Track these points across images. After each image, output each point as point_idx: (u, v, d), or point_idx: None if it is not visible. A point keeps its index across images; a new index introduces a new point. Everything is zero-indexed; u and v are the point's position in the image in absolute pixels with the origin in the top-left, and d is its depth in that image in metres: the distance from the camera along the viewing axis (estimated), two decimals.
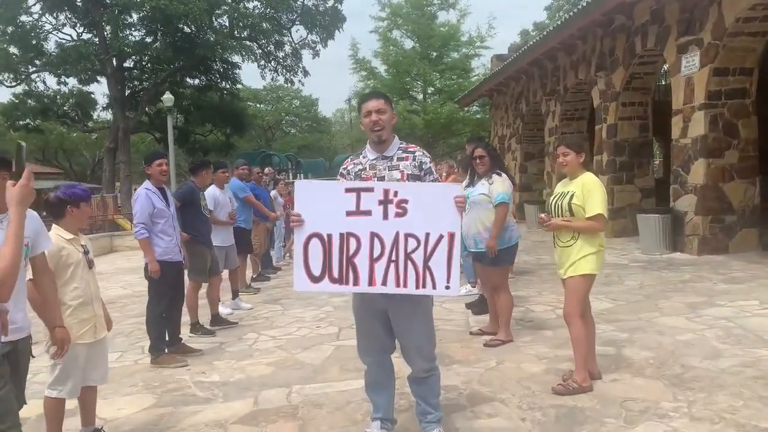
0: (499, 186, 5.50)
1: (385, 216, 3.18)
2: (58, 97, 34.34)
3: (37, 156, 52.31)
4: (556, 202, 4.36)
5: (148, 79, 32.45)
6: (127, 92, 32.58)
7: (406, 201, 3.18)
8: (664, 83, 15.92)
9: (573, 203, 4.20)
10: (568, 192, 4.29)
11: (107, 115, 37.09)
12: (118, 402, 4.75)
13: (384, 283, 3.20)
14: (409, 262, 3.18)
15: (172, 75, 31.89)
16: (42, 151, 52.38)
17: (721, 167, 9.83)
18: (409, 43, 30.36)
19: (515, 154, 19.72)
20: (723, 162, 9.84)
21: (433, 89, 30.27)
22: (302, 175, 28.75)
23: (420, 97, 31.05)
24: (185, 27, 29.44)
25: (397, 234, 3.18)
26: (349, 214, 3.20)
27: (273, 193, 12.05)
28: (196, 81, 34.82)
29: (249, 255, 9.56)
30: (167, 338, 5.78)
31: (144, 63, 32.99)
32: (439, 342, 5.62)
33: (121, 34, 28.46)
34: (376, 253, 3.18)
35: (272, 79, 35.72)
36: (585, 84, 14.94)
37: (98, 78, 32.11)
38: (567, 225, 4.21)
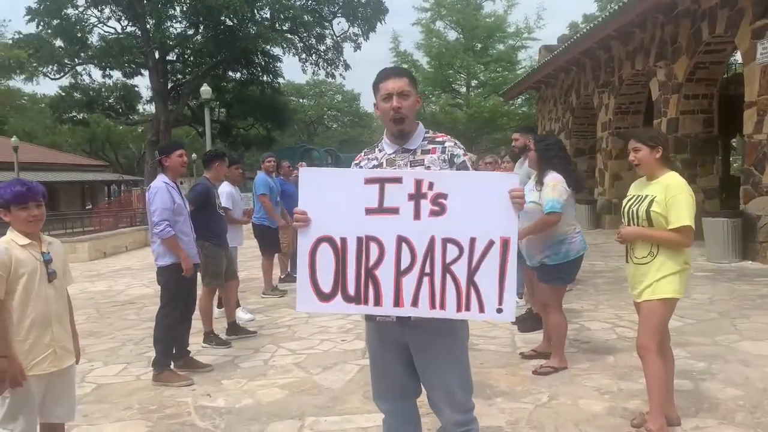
0: (549, 192, 4.57)
1: (417, 215, 2.43)
2: (103, 89, 34.54)
3: (85, 148, 53.30)
4: (630, 207, 3.54)
5: (191, 72, 32.37)
6: (170, 85, 32.58)
7: (444, 195, 2.42)
8: (726, 75, 14.67)
9: (652, 210, 3.37)
10: (645, 196, 3.46)
11: (151, 108, 37.24)
12: (106, 429, 4.12)
13: (414, 303, 2.44)
14: (449, 277, 2.42)
15: (214, 68, 31.72)
16: (89, 144, 53.33)
17: None
18: (452, 35, 29.44)
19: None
20: None
21: (476, 82, 29.22)
22: None
23: (463, 90, 30.05)
24: (227, 19, 29.16)
25: (433, 239, 2.42)
26: (369, 212, 2.45)
27: None
28: (238, 74, 34.63)
29: (277, 254, 8.93)
30: (175, 350, 5.15)
31: (186, 56, 32.99)
32: (480, 366, 4.90)
33: (163, 27, 28.32)
34: (404, 264, 2.44)
35: (313, 73, 35.16)
36: (642, 75, 13.87)
37: (142, 71, 32.17)
38: (645, 234, 3.39)
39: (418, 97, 2.62)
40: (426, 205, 2.42)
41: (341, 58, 32.82)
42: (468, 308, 2.41)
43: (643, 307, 3.42)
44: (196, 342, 5.85)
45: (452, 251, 2.41)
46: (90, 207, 40.22)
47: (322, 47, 32.56)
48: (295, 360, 5.41)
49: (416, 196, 2.42)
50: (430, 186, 2.42)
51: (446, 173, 2.51)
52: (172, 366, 5.05)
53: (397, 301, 2.44)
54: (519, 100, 27.67)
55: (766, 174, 9.10)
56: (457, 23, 28.32)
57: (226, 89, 34.58)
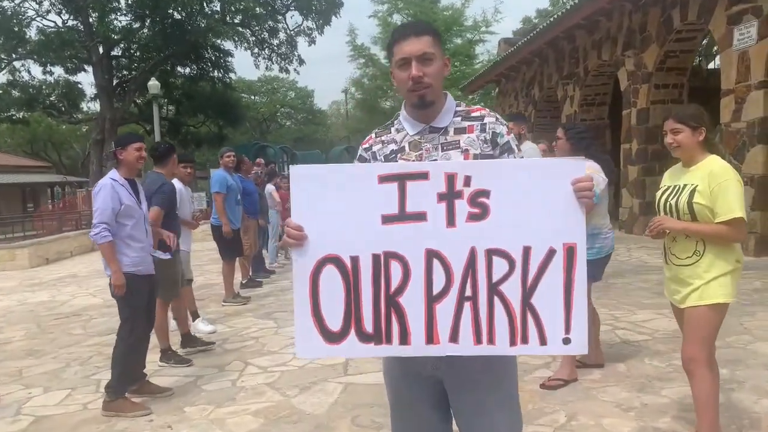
0: None
1: (451, 221, 1.84)
2: (43, 87, 32.76)
3: (25, 149, 50.88)
4: (666, 199, 3.05)
5: (137, 68, 30.97)
6: (115, 82, 31.10)
7: (486, 193, 1.84)
8: (697, 62, 14.56)
9: (695, 202, 2.88)
10: (684, 186, 2.97)
11: (96, 106, 35.63)
12: None
13: (454, 338, 1.85)
14: (497, 301, 1.84)
15: (162, 63, 30.41)
16: (30, 144, 50.94)
17: None
18: None
19: None
20: None
21: None
22: None
23: None
24: (174, 12, 27.99)
25: (474, 252, 1.84)
26: (387, 220, 1.86)
27: (269, 188, 10.71)
28: (187, 70, 33.29)
29: (237, 258, 8.23)
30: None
31: (132, 51, 31.57)
32: None
33: (106, 20, 26.94)
34: (437, 287, 1.85)
35: (266, 68, 34.05)
36: (609, 65, 13.61)
37: (85, 67, 30.63)
38: (691, 228, 2.89)
39: (445, 59, 2.03)
40: (462, 207, 1.83)
41: (295, 53, 31.97)
42: (525, 340, 1.83)
43: (690, 314, 2.93)
44: (152, 361, 5.16)
45: (500, 266, 1.83)
46: (32, 208, 38.35)
47: (275, 41, 31.64)
48: (267, 379, 4.77)
49: (449, 196, 1.83)
50: (467, 181, 1.83)
51: (487, 163, 1.92)
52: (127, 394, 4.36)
53: (431, 337, 1.85)
54: (475, 95, 27.35)
55: (746, 163, 8.85)
56: (414, 17, 27.76)
57: (174, 85, 33.21)
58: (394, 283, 1.86)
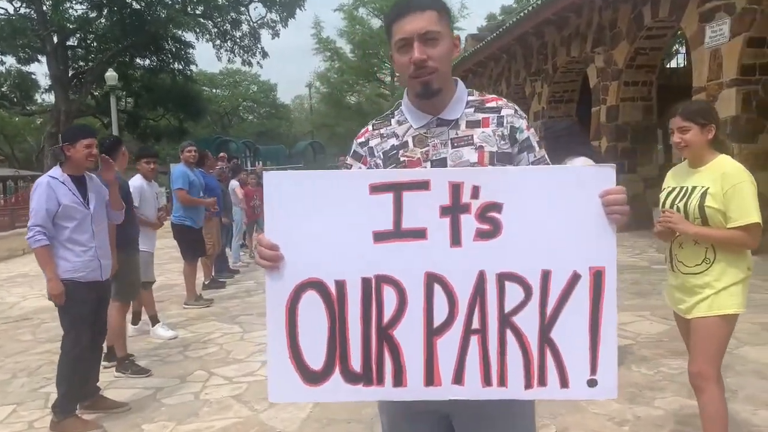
0: None
1: (456, 239, 1.56)
2: None
3: None
4: (673, 202, 2.83)
5: (94, 59, 29.95)
6: (71, 73, 30.04)
7: (498, 206, 1.56)
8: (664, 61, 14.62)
9: (707, 206, 2.66)
10: (695, 188, 2.75)
11: (51, 98, 34.44)
12: None
13: (458, 379, 1.56)
14: (510, 334, 1.56)
15: (120, 54, 29.46)
16: None
17: (755, 153, 8.48)
18: (376, 22, 28.53)
19: None
20: (757, 147, 8.50)
21: None
22: (260, 162, 26.65)
23: (388, 80, 29.30)
24: (133, 2, 27.15)
25: (482, 276, 1.56)
26: (380, 237, 1.57)
27: (233, 184, 10.30)
28: (147, 62, 32.37)
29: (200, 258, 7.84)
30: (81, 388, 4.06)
31: (89, 41, 30.53)
32: None
33: (61, 8, 25.92)
34: (439, 318, 1.56)
35: (229, 60, 33.28)
36: (578, 62, 13.54)
37: (38, 57, 29.54)
38: (703, 233, 2.68)
39: (454, 38, 1.74)
40: (470, 223, 1.56)
41: (258, 46, 31.35)
42: (543, 382, 1.56)
43: (698, 325, 2.72)
44: (106, 372, 4.80)
45: (514, 294, 1.56)
46: None
47: (238, 33, 30.97)
48: (233, 391, 4.44)
49: (453, 210, 1.56)
50: (475, 192, 1.55)
51: (499, 171, 1.64)
52: (77, 411, 3.98)
53: (431, 377, 1.57)
54: None
55: None
56: (380, 10, 27.48)
57: (133, 77, 32.28)
58: (388, 312, 1.57)
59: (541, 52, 15.05)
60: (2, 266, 13.47)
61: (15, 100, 33.32)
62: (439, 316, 1.56)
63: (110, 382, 4.73)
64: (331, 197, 1.58)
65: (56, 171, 3.93)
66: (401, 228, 1.56)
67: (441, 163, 1.70)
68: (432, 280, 1.56)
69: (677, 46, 20.75)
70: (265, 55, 31.52)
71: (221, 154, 11.45)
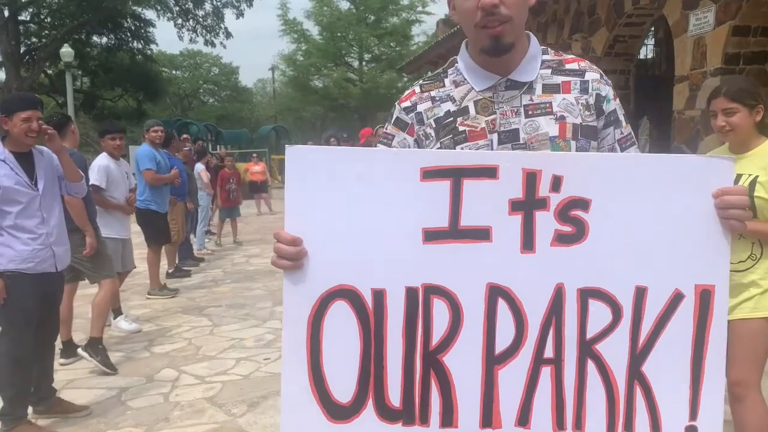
0: None
1: (529, 243, 1.22)
2: None
3: None
4: None
5: (48, 36, 28.70)
6: (23, 49, 28.74)
7: (584, 202, 1.22)
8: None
9: (757, 196, 2.39)
10: (740, 176, 2.48)
11: (1, 75, 32.95)
12: None
13: (523, 421, 1.23)
14: (592, 365, 1.23)
15: (76, 31, 28.29)
16: None
17: None
18: (344, 5, 28.00)
19: None
20: None
21: (369, 56, 28.00)
22: (222, 146, 25.88)
23: (356, 64, 28.79)
24: None
25: (560, 291, 1.22)
26: (431, 236, 1.23)
27: (198, 167, 9.80)
28: (104, 40, 31.19)
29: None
30: (33, 390, 3.61)
31: (42, 17, 29.25)
32: None
33: None
34: (502, 343, 1.23)
35: (191, 40, 32.26)
36: (556, 49, 13.34)
37: None
38: (756, 228, 2.40)
39: None
40: (547, 223, 1.22)
41: (221, 26, 30.45)
42: (629, 427, 1.24)
43: (740, 327, 2.44)
44: (63, 370, 4.36)
45: (599, 315, 1.23)
46: None
47: (201, 13, 30.02)
48: (206, 392, 4.05)
49: (527, 205, 1.22)
50: (556, 184, 1.22)
51: (589, 157, 1.31)
52: (29, 413, 3.54)
53: (488, 417, 1.24)
54: (405, 77, 26.73)
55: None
56: None
57: (90, 55, 31.05)
58: (438, 333, 1.23)
59: None
60: None
61: None
62: (503, 340, 1.23)
63: (68, 381, 4.30)
64: (372, 182, 1.23)
65: None
66: (459, 226, 1.22)
67: (511, 135, 1.36)
68: (495, 293, 1.22)
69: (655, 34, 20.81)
70: (228, 35, 30.68)
71: (184, 136, 10.91)
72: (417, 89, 1.48)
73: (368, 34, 26.35)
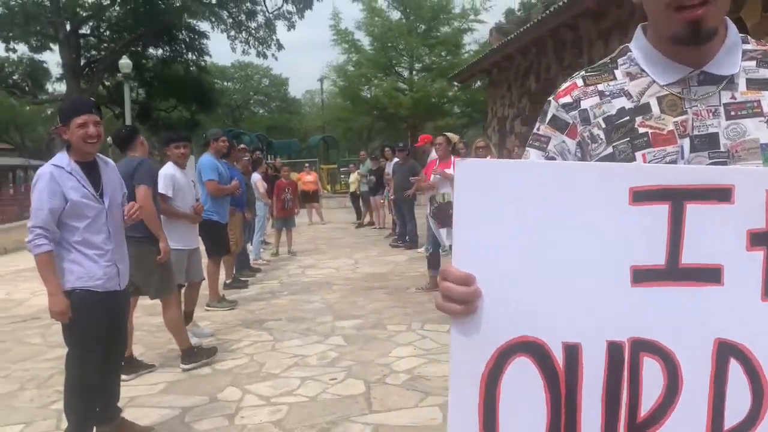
0: None
1: None
2: (6, 64, 31.06)
3: None
4: None
5: (106, 48, 29.47)
6: (83, 62, 29.56)
7: None
8: None
9: None
10: None
11: (62, 87, 33.98)
12: None
13: None
14: None
15: (133, 43, 28.97)
16: None
17: None
18: (396, 15, 27.87)
19: (520, 136, 17.64)
20: None
21: (420, 65, 27.80)
22: (274, 156, 26.06)
23: (406, 74, 28.61)
24: None
25: None
26: (642, 276, 0.94)
27: (255, 177, 9.72)
28: (160, 51, 31.86)
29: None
30: (99, 411, 3.46)
31: (101, 30, 30.07)
32: None
33: None
34: (732, 416, 0.93)
35: (243, 52, 32.72)
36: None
37: (51, 45, 29.03)
38: None
39: None
40: None
41: (273, 37, 30.80)
42: None
43: None
44: (134, 386, 4.21)
45: None
46: None
47: (253, 24, 30.43)
48: (273, 415, 3.84)
49: None
50: None
51: None
52: None
53: None
54: (457, 86, 26.32)
55: None
56: (401, 2, 26.80)
57: (146, 67, 31.73)
58: (648, 401, 0.95)
59: (575, 46, 14.37)
60: (11, 259, 12.95)
61: (26, 88, 32.82)
62: (735, 412, 0.94)
63: (130, 398, 4.16)
64: (565, 205, 0.96)
65: (62, 158, 3.21)
66: (680, 264, 0.95)
67: (709, 141, 1.09)
68: (726, 352, 0.94)
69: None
70: (280, 47, 31.01)
71: (242, 146, 10.87)
72: (579, 82, 1.23)
73: (419, 44, 26.15)
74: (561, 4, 12.84)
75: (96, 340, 3.26)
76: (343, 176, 27.67)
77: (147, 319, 6.02)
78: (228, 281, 7.87)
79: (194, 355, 4.82)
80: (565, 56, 15.04)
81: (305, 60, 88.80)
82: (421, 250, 10.45)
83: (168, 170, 5.21)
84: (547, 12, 14.46)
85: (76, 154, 3.24)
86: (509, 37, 17.04)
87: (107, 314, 3.30)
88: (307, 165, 17.24)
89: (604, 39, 13.02)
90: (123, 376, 4.42)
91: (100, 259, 3.25)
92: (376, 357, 4.85)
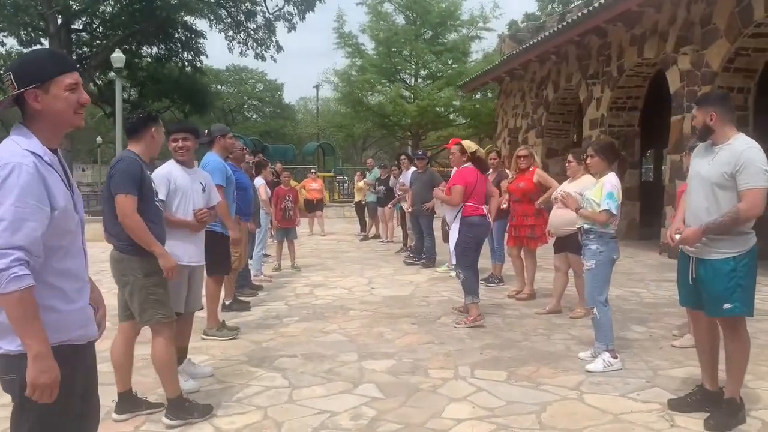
0: None
1: None
2: None
3: None
4: None
5: (99, 45, 28.33)
6: (74, 58, 28.38)
7: None
8: None
9: None
10: None
11: None
12: None
13: None
14: None
15: (127, 41, 27.83)
16: None
17: None
18: (401, 19, 26.87)
19: (535, 149, 16.67)
20: None
21: (425, 73, 26.76)
22: (278, 161, 25.00)
23: (411, 81, 27.60)
24: None
25: None
26: None
27: (258, 181, 8.65)
28: (155, 50, 30.75)
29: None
30: None
31: (94, 26, 28.93)
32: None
33: None
34: None
35: (241, 53, 31.69)
36: (650, 65, 11.98)
37: (41, 40, 27.87)
38: None
39: None
40: None
41: (273, 39, 29.77)
42: None
43: None
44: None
45: None
46: None
47: (252, 25, 29.40)
48: None
49: None
50: None
51: None
52: None
53: None
54: (463, 95, 25.34)
55: None
56: (407, 7, 25.81)
57: (139, 66, 30.61)
58: None
59: (602, 53, 13.44)
60: None
61: None
62: None
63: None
64: None
65: (32, 140, 2.03)
66: None
67: None
68: None
69: None
70: (279, 49, 30.00)
71: (243, 148, 9.78)
72: None
73: (426, 50, 25.16)
74: (597, 5, 11.87)
75: (69, 410, 2.14)
76: (339, 184, 26.68)
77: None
78: (228, 302, 6.76)
79: (183, 410, 3.68)
80: (590, 64, 14.12)
81: (300, 67, 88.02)
82: (441, 270, 9.42)
83: (164, 169, 4.15)
84: (567, 21, 13.51)
85: (48, 133, 2.09)
86: (526, 44, 16.16)
87: (85, 380, 2.20)
88: (312, 171, 16.17)
89: (638, 45, 12.12)
90: (114, 416, 3.52)
91: (79, 297, 2.13)
92: (427, 419, 3.77)
